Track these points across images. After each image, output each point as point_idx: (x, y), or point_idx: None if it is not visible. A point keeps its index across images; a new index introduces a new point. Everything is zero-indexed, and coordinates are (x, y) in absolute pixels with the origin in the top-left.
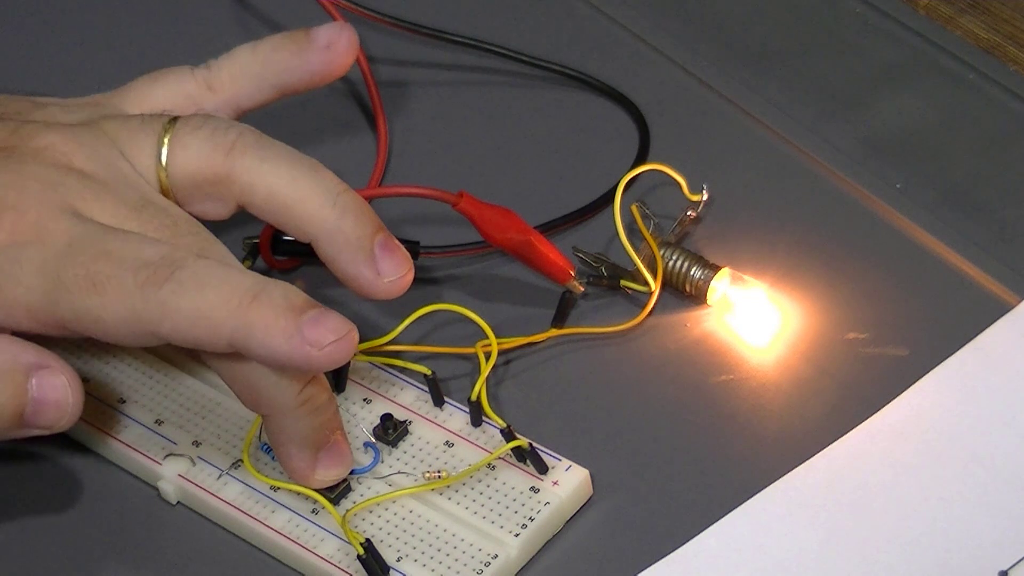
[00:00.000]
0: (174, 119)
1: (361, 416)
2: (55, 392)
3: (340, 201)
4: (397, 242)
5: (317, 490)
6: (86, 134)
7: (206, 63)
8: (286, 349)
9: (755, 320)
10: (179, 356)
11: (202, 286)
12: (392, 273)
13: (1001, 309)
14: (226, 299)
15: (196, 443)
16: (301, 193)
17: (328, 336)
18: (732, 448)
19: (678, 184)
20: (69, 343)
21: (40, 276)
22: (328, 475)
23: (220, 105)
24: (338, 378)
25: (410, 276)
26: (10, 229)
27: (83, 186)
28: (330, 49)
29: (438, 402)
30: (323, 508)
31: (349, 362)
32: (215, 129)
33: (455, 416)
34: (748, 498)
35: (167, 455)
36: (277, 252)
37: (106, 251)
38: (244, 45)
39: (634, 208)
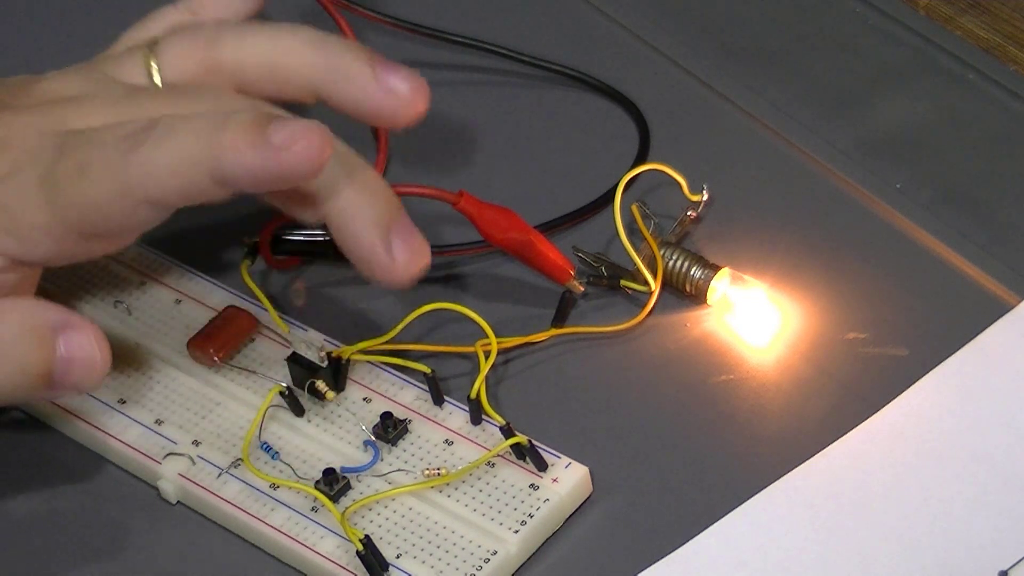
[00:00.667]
0: (155, 39)
1: (361, 415)
2: (83, 351)
3: (324, 44)
4: (397, 63)
5: (317, 488)
6: (75, 70)
7: None
8: (258, 159)
9: (755, 320)
10: (179, 356)
11: (174, 133)
12: (402, 86)
13: (1001, 309)
14: (196, 136)
15: (196, 442)
16: (285, 51)
17: (295, 135)
18: (732, 448)
19: (678, 184)
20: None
21: (40, 187)
22: (410, 263)
23: None
24: (337, 377)
25: (424, 88)
26: (10, 162)
27: (76, 107)
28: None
29: (438, 401)
30: (322, 506)
31: (348, 361)
32: (193, 29)
33: (455, 415)
34: (748, 498)
35: (167, 454)
36: (277, 252)
37: (89, 139)
38: None
39: (634, 208)
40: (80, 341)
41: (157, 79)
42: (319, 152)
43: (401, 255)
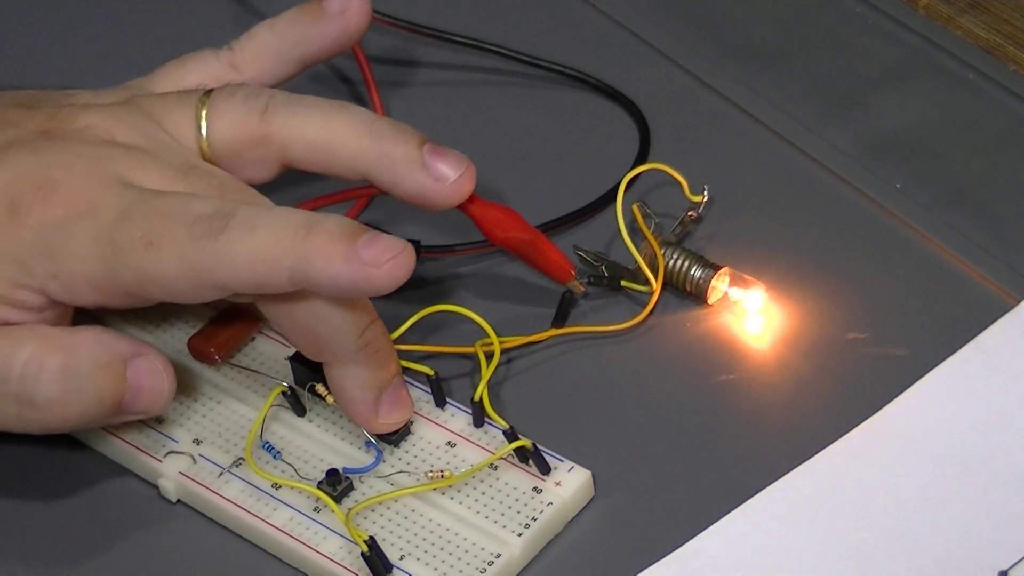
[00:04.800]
0: (208, 91)
1: None
2: (152, 379)
3: (375, 129)
4: (445, 147)
5: (320, 488)
6: (124, 111)
7: (228, 45)
8: (347, 272)
9: (755, 320)
10: (180, 354)
11: (255, 229)
12: (451, 173)
13: (1001, 309)
14: (280, 236)
15: (197, 441)
16: (336, 134)
17: (386, 253)
18: (732, 448)
19: (679, 184)
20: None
21: (97, 245)
22: (390, 419)
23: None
24: None
25: (471, 172)
26: (64, 205)
27: (128, 157)
28: (344, 15)
29: (440, 403)
30: (325, 506)
31: None
32: (247, 95)
33: (457, 416)
34: (748, 498)
35: (167, 453)
36: None
37: (159, 211)
38: (262, 23)
39: (635, 207)
40: (149, 369)
41: (204, 136)
42: (405, 271)
43: (385, 415)
